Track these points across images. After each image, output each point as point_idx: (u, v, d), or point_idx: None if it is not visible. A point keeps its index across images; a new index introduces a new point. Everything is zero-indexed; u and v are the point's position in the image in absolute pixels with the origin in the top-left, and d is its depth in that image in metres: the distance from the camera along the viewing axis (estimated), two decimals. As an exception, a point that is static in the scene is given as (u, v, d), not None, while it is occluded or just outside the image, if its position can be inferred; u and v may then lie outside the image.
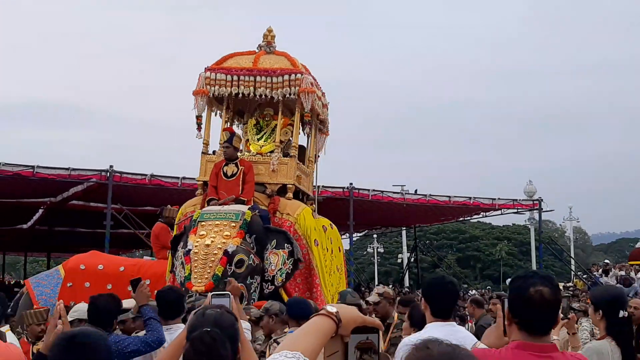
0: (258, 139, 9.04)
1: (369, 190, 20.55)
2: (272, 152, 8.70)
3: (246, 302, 7.02)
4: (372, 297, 6.43)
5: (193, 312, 2.84)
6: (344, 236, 28.60)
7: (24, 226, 25.48)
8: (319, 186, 19.71)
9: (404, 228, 32.72)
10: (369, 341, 1.70)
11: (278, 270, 7.51)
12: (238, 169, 8.20)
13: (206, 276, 7.04)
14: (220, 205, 7.91)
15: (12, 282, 34.48)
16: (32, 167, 16.03)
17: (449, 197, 21.82)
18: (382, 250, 47.91)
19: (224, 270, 7.11)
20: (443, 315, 3.58)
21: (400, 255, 41.83)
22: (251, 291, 7.35)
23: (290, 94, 8.49)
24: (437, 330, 3.34)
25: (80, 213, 22.05)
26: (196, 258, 7.16)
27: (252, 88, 8.56)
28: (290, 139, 9.16)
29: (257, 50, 9.12)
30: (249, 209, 7.72)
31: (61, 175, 16.62)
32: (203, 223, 7.53)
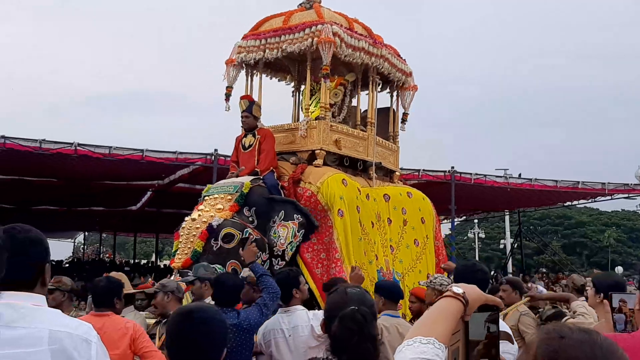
0: (310, 104, 8.12)
1: (471, 174, 20.10)
2: (319, 117, 7.78)
3: None
4: None
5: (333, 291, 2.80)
6: (444, 221, 28.31)
7: (134, 208, 26.48)
8: (419, 170, 19.76)
9: (507, 213, 31.96)
10: (496, 313, 1.64)
11: (288, 244, 6.62)
12: (255, 138, 7.39)
13: (186, 252, 6.32)
14: (234, 178, 7.17)
15: (123, 261, 36.02)
16: (142, 150, 16.49)
17: (556, 181, 20.99)
18: (483, 235, 47.04)
19: (204, 245, 6.33)
20: None
21: (502, 241, 40.91)
22: None
23: (307, 47, 7.47)
24: None
25: (186, 195, 22.58)
26: (182, 234, 6.51)
27: (276, 50, 7.72)
28: (344, 100, 8.21)
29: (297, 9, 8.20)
30: (251, 180, 6.89)
31: (169, 159, 17.05)
32: (207, 197, 6.89)
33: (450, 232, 22.14)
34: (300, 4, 8.23)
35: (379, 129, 8.65)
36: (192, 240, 6.38)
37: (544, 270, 29.20)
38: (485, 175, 20.18)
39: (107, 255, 40.51)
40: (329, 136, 7.50)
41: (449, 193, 19.00)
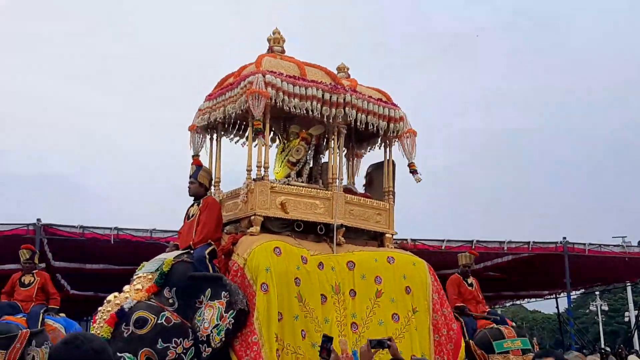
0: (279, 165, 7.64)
1: (584, 244, 19.42)
2: (288, 176, 7.31)
3: None
4: None
5: None
6: (561, 295, 27.15)
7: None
8: (529, 242, 19.15)
9: (629, 284, 30.39)
10: None
11: (214, 328, 6.01)
12: (198, 208, 6.93)
13: None
14: (163, 254, 6.80)
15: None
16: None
17: (680, 248, 19.94)
18: (606, 308, 44.76)
19: (112, 330, 5.89)
20: None
21: (627, 314, 38.85)
22: (168, 358, 5.94)
23: (243, 104, 6.87)
24: None
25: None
26: (97, 318, 6.08)
27: (221, 110, 7.23)
28: (308, 158, 7.58)
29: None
30: (175, 256, 6.45)
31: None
32: (135, 277, 6.50)
33: (567, 306, 21.21)
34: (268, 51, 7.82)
35: (379, 186, 8.06)
36: (102, 325, 6.01)
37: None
38: (600, 245, 19.39)
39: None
40: (269, 199, 6.87)
41: (563, 266, 18.29)
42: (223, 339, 6.01)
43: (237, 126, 7.96)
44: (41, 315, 9.13)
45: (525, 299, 31.88)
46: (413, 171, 7.89)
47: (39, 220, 14.75)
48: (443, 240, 17.59)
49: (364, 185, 8.54)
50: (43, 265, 14.62)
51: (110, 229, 15.11)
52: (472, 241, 17.65)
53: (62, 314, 9.71)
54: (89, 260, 17.48)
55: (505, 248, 18.40)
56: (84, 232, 15.13)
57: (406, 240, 17.32)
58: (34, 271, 9.74)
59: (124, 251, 15.91)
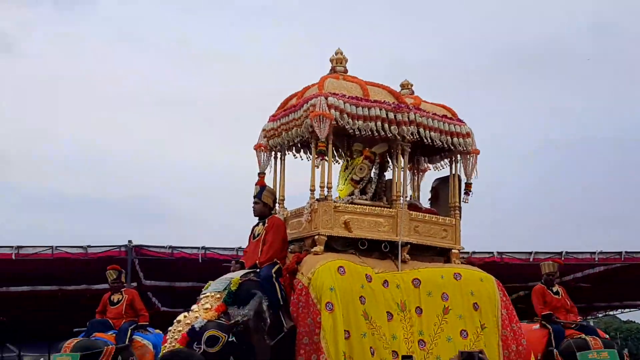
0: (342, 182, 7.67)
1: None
2: (351, 194, 7.31)
3: None
4: None
5: None
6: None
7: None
8: (621, 252, 18.42)
9: None
10: None
11: None
12: (263, 227, 6.98)
13: None
14: (230, 273, 6.89)
15: None
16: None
17: None
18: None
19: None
20: None
21: None
22: None
23: (307, 127, 6.95)
24: None
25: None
26: (168, 337, 6.20)
27: (285, 133, 7.36)
28: (372, 176, 7.56)
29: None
30: (241, 275, 6.51)
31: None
32: (202, 296, 6.56)
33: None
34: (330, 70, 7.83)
35: (444, 201, 8.00)
36: (173, 344, 6.11)
37: None
38: (685, 254, 18.47)
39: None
40: (332, 218, 6.92)
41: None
42: None
43: (300, 145, 8.03)
44: (129, 331, 9.46)
45: (619, 310, 30.92)
46: (467, 192, 7.84)
47: (130, 241, 15.25)
48: (531, 253, 17.24)
49: (429, 200, 8.47)
50: (134, 284, 15.15)
51: (198, 248, 15.51)
52: (561, 252, 17.16)
53: (158, 330, 10.05)
54: (178, 279, 18.02)
55: (597, 259, 17.82)
56: (173, 252, 15.63)
57: (492, 253, 17.14)
58: (122, 289, 10.13)
59: (212, 269, 16.23)
